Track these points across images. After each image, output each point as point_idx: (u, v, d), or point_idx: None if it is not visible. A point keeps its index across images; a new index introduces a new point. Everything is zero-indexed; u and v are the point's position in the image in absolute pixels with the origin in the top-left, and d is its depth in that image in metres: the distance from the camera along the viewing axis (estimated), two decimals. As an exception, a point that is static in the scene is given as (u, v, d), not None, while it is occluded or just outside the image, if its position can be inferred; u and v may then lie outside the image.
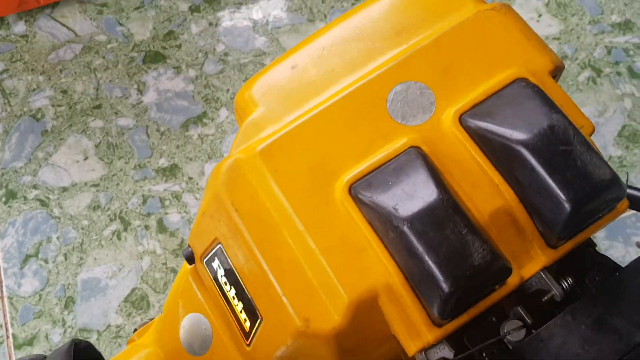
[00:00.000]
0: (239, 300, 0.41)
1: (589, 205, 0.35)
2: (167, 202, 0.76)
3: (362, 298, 0.36)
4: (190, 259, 0.46)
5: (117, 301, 0.72)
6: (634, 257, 0.73)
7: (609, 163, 0.76)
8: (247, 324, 0.41)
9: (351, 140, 0.39)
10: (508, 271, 0.35)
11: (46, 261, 0.74)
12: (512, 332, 0.38)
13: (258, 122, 0.41)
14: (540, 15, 0.86)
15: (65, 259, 0.74)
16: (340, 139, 0.39)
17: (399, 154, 0.38)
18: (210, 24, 0.85)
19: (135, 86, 0.83)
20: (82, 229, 0.75)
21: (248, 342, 0.42)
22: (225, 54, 0.83)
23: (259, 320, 0.40)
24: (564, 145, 0.35)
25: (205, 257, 0.44)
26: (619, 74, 0.82)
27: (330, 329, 0.36)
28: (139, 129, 0.80)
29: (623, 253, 0.73)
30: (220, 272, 0.42)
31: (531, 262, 0.37)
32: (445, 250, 0.34)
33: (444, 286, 0.33)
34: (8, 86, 0.83)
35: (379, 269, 0.36)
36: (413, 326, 0.36)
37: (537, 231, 0.37)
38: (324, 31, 0.43)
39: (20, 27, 0.85)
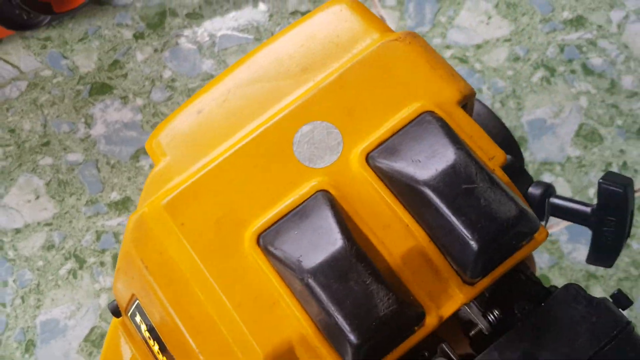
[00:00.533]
0: (162, 355, 0.40)
1: (497, 244, 0.34)
2: (120, 237, 0.75)
3: (277, 352, 0.35)
4: (117, 312, 0.44)
5: (77, 341, 0.71)
6: (597, 257, 0.72)
7: (568, 164, 0.74)
8: (169, 382, 0.40)
9: (259, 186, 0.38)
10: (419, 316, 0.34)
11: (4, 305, 0.73)
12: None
13: (164, 172, 0.40)
14: (490, 18, 0.85)
15: (23, 301, 0.73)
16: (247, 187, 0.38)
17: (306, 200, 0.37)
18: (155, 50, 0.84)
19: (83, 120, 0.81)
20: (38, 270, 0.74)
21: (175, 399, 0.41)
22: (173, 80, 0.82)
23: (180, 379, 0.39)
24: (466, 183, 0.34)
25: (128, 311, 0.43)
26: (573, 72, 0.81)
27: (247, 387, 0.35)
28: (89, 164, 0.79)
29: (586, 255, 0.72)
30: (143, 327, 0.41)
31: (450, 300, 0.36)
32: (350, 302, 0.32)
33: (352, 338, 0.32)
34: (-45, 129, 0.82)
35: (292, 322, 0.35)
36: (332, 377, 0.35)
37: (452, 270, 0.36)
38: (230, 71, 0.42)
39: (-35, 68, 0.84)
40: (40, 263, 0.75)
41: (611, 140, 0.77)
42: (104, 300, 0.73)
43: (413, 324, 0.34)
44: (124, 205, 0.77)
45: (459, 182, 0.34)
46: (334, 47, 0.41)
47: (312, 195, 0.37)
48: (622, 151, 0.77)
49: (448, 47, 0.83)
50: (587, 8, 0.84)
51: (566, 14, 0.84)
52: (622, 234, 0.46)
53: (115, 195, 0.77)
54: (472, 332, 0.38)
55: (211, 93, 0.42)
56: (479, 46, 0.83)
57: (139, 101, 0.82)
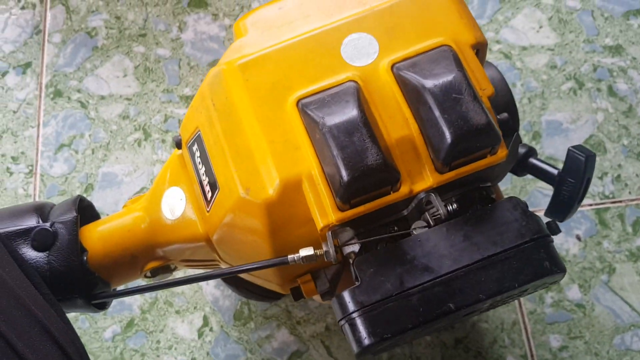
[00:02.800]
0: (206, 176, 0.54)
1: (466, 141, 0.46)
2: (183, 124, 0.90)
3: (290, 180, 0.48)
4: (179, 145, 0.59)
5: (128, 194, 0.86)
6: (572, 246, 0.83)
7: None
8: (209, 195, 0.54)
9: (308, 68, 0.51)
10: (396, 177, 0.47)
11: (77, 152, 0.89)
12: (418, 229, 0.49)
13: (244, 44, 0.54)
14: (541, 27, 0.96)
15: (92, 153, 0.88)
16: (300, 66, 0.51)
17: (340, 84, 0.50)
18: (251, -17, 0.98)
19: (177, 24, 0.96)
20: (111, 132, 0.90)
21: (208, 208, 0.54)
22: (258, 11, 0.96)
23: (217, 190, 0.52)
24: (456, 93, 0.46)
25: (188, 143, 0.57)
26: (599, 90, 0.91)
27: (263, 198, 0.49)
28: (173, 60, 0.94)
29: (562, 241, 0.83)
30: (197, 154, 0.55)
31: (422, 181, 0.49)
32: (350, 150, 0.46)
33: (344, 175, 0.45)
34: (72, 4, 0.97)
35: (307, 162, 0.49)
36: (323, 208, 0.48)
37: (429, 158, 0.49)
38: (310, -13, 0.55)
39: (93, -42, 1.00)
40: (114, 127, 0.90)
41: (613, 154, 0.88)
42: (157, 169, 0.87)
43: (391, 181, 0.47)
44: (192, 99, 0.91)
45: (451, 92, 0.46)
46: (391, -15, 0.54)
47: (345, 81, 0.50)
48: (619, 166, 0.87)
49: (498, 41, 0.95)
50: (628, 40, 0.95)
51: (608, 40, 0.95)
52: (576, 194, 0.58)
53: (187, 91, 0.92)
54: (433, 215, 0.50)
55: (292, -3, 0.55)
56: (524, 48, 0.95)
57: (227, 21, 0.96)
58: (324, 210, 0.48)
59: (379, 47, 0.51)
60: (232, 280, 0.72)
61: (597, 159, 0.87)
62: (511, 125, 0.61)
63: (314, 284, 0.57)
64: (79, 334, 0.79)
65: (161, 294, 0.81)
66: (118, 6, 0.98)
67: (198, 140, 0.55)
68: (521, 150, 0.62)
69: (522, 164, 0.62)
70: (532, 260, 0.47)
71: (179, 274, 0.77)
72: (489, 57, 0.94)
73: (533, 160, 0.61)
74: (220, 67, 0.52)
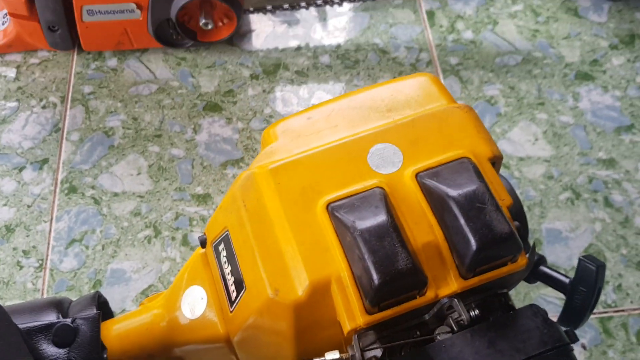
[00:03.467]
0: (232, 276, 0.55)
1: (490, 249, 0.48)
2: (194, 222, 0.92)
3: (320, 282, 0.50)
4: (203, 244, 0.60)
5: (135, 292, 0.86)
6: (578, 355, 0.83)
7: (572, 272, 0.88)
8: (234, 294, 0.55)
9: (337, 174, 0.54)
10: (424, 281, 0.48)
11: (87, 247, 0.89)
12: (442, 334, 0.50)
13: (274, 150, 0.57)
14: (536, 139, 1.01)
15: (103, 249, 0.89)
16: (329, 172, 0.54)
17: (367, 189, 0.52)
18: (263, 91, 1.04)
19: (192, 126, 1.00)
20: (122, 228, 0.91)
21: (232, 309, 0.55)
22: (270, 116, 1.01)
23: (243, 290, 0.53)
24: (480, 203, 0.49)
25: (214, 242, 0.58)
26: (595, 200, 0.95)
27: (293, 300, 0.50)
28: (187, 160, 0.97)
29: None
30: (223, 254, 0.57)
31: (446, 286, 0.50)
32: (381, 254, 0.47)
33: (375, 278, 0.47)
34: (92, 105, 1.02)
35: (336, 265, 0.50)
36: (351, 311, 0.49)
37: (454, 264, 0.51)
38: (338, 99, 0.59)
39: (112, 62, 1.06)
40: (125, 224, 0.91)
41: (613, 264, 0.90)
42: (165, 267, 0.88)
43: (420, 285, 0.48)
44: (204, 199, 0.94)
45: (475, 201, 0.49)
46: (413, 101, 0.58)
47: (372, 187, 0.53)
48: (620, 275, 0.89)
49: (497, 153, 1.00)
50: (621, 154, 1.00)
51: (601, 154, 1.00)
52: (589, 303, 0.59)
53: (199, 190, 0.94)
54: (457, 321, 0.51)
55: (320, 108, 0.59)
56: (521, 159, 1.00)
57: (240, 124, 1.01)
58: (351, 314, 0.49)
59: (403, 156, 0.55)
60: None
61: (598, 267, 0.90)
62: (522, 233, 0.64)
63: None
64: None
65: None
66: (136, 108, 1.02)
67: (225, 240, 0.56)
68: (530, 258, 0.64)
69: (534, 271, 0.64)
70: (555, 368, 0.48)
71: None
72: (490, 166, 0.99)
73: (544, 269, 0.63)
74: (253, 171, 0.55)
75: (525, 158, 1.00)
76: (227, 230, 0.56)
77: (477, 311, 0.52)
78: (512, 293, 0.89)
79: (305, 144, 0.57)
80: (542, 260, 0.64)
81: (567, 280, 0.62)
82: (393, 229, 0.48)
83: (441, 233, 0.51)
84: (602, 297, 0.88)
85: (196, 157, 0.98)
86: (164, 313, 0.61)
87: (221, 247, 0.57)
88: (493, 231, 0.48)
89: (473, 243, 0.48)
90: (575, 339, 0.55)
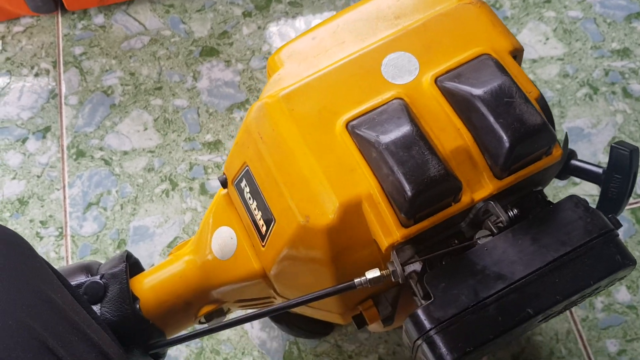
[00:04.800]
0: (259, 210, 0.54)
1: (523, 143, 0.46)
2: (209, 170, 0.90)
3: (350, 202, 0.48)
4: (224, 184, 0.58)
5: (161, 246, 0.85)
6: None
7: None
8: (264, 229, 0.53)
9: (352, 91, 0.51)
10: (458, 186, 0.46)
11: (105, 209, 0.88)
12: (482, 238, 0.49)
13: (282, 76, 0.54)
14: (547, 39, 0.97)
15: (121, 208, 0.88)
16: (344, 90, 0.52)
17: (386, 102, 0.50)
18: (258, 28, 1.00)
19: (191, 74, 0.97)
20: (138, 185, 0.89)
21: (263, 243, 0.54)
22: (269, 53, 0.98)
23: (272, 222, 0.52)
24: (507, 97, 0.46)
25: (235, 180, 0.56)
26: (613, 93, 0.92)
27: (324, 224, 0.48)
28: (192, 109, 0.94)
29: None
30: (247, 190, 0.55)
31: (481, 189, 0.49)
32: (410, 164, 0.45)
33: (408, 189, 0.45)
34: (85, 66, 0.99)
35: (364, 183, 0.48)
36: (386, 227, 0.48)
37: (487, 165, 0.48)
38: (341, 14, 0.56)
39: (99, 19, 1.02)
40: (140, 181, 0.90)
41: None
42: (188, 218, 0.87)
43: (455, 190, 0.46)
44: (215, 146, 0.91)
45: (502, 96, 0.46)
46: (421, 4, 0.55)
47: (391, 100, 0.50)
48: (648, 164, 0.87)
49: (507, 58, 0.96)
50: (634, 42, 0.96)
51: (614, 45, 0.96)
52: (625, 190, 0.58)
53: (209, 137, 0.92)
54: (495, 223, 0.50)
55: (324, 26, 0.56)
56: (534, 60, 0.96)
57: (240, 66, 0.97)
58: (387, 229, 0.48)
59: (419, 63, 0.52)
60: (283, 317, 0.71)
61: (624, 159, 0.87)
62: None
63: (376, 309, 0.56)
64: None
65: (207, 343, 0.79)
66: (131, 63, 0.99)
67: (247, 175, 0.54)
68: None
69: (565, 166, 0.62)
70: (603, 255, 0.46)
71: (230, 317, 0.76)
72: (501, 73, 0.95)
73: (575, 162, 0.61)
74: (264, 101, 0.53)
75: (538, 59, 0.96)
76: (247, 166, 0.54)
77: (515, 210, 0.50)
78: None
79: (313, 66, 0.54)
80: (572, 154, 0.62)
81: (600, 171, 0.60)
82: (419, 137, 0.46)
83: (470, 136, 0.49)
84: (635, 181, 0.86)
85: (200, 105, 0.95)
86: (195, 259, 0.60)
87: (243, 183, 0.55)
88: (525, 124, 0.46)
89: (506, 139, 0.46)
90: (619, 225, 0.53)
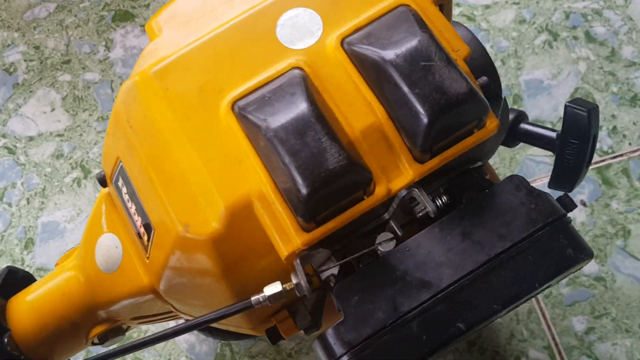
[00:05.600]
0: (138, 216, 0.44)
1: (446, 118, 0.37)
2: (125, 152, 0.80)
3: (237, 205, 0.39)
4: (102, 182, 0.48)
5: (73, 244, 0.75)
6: (578, 214, 0.74)
7: (559, 123, 0.77)
8: (145, 237, 0.44)
9: (242, 61, 0.41)
10: (367, 178, 0.37)
11: (10, 205, 0.78)
12: (383, 243, 0.40)
13: (158, 47, 0.44)
14: (501, -20, 0.87)
15: (28, 203, 0.78)
16: (231, 61, 0.41)
17: (281, 74, 0.40)
18: (177, -15, 0.88)
19: (104, 43, 0.86)
20: (45, 175, 0.79)
21: (147, 254, 0.44)
22: (190, 13, 0.86)
23: (152, 231, 0.42)
24: (424, 61, 0.37)
25: (112, 178, 0.46)
26: (575, 38, 0.83)
27: (207, 233, 0.39)
28: (104, 83, 0.83)
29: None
30: (124, 190, 0.45)
31: (400, 176, 0.39)
32: (304, 155, 0.36)
33: (302, 187, 0.36)
34: (-17, 42, 0.86)
35: (254, 179, 0.39)
36: (284, 232, 0.38)
37: (405, 146, 0.39)
38: (227, -36, 0.45)
39: (-3, -13, 0.89)
40: (48, 170, 0.79)
41: (604, 105, 0.79)
42: (103, 209, 0.77)
43: (361, 185, 0.37)
44: (131, 123, 0.81)
45: (418, 59, 0.37)
46: (323, -54, 0.44)
47: (287, 70, 0.40)
48: (613, 116, 0.78)
49: (457, 4, 0.86)
50: (597, -21, 0.86)
51: (576, -17, 0.86)
52: (583, 157, 0.49)
53: (124, 114, 0.81)
54: (420, 214, 0.40)
55: (208, -19, 0.45)
56: (487, 6, 0.86)
57: (156, 30, 0.86)
58: (285, 235, 0.38)
59: (322, 21, 0.42)
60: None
61: (588, 113, 0.79)
62: (493, 89, 0.52)
63: (293, 321, 0.48)
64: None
65: (129, 349, 0.70)
66: (35, 35, 0.87)
67: (122, 173, 0.44)
68: (510, 116, 0.52)
69: (513, 132, 0.53)
70: (551, 250, 0.38)
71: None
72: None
73: (525, 126, 0.52)
74: (133, 79, 0.42)
75: (491, 4, 0.86)
76: (121, 161, 0.44)
77: (444, 198, 0.41)
78: (496, 161, 0.78)
79: (196, 31, 0.43)
80: (521, 116, 0.53)
81: (554, 135, 0.51)
82: (317, 119, 0.36)
83: (383, 111, 0.39)
84: (597, 145, 0.77)
85: (114, 77, 0.84)
86: (78, 273, 0.50)
87: (120, 182, 0.45)
88: (446, 93, 0.36)
89: (423, 114, 0.36)
90: (572, 206, 0.44)
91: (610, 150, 0.77)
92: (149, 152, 0.41)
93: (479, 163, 0.45)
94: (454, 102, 0.36)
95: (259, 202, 0.38)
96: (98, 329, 0.50)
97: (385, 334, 0.37)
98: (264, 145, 0.37)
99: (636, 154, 0.77)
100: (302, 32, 0.41)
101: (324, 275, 0.42)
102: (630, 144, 0.77)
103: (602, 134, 0.78)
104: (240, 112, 0.39)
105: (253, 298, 0.40)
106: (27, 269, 0.72)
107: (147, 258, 0.44)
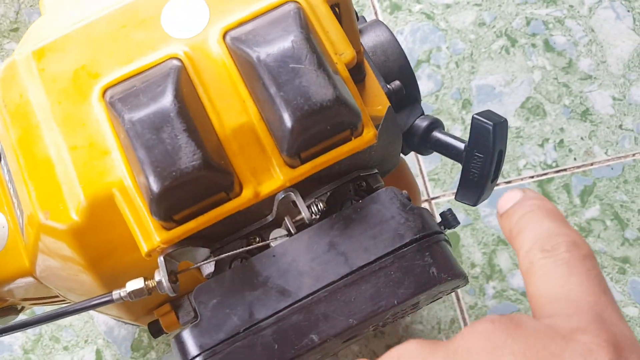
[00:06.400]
0: (15, 198, 0.43)
1: (309, 124, 0.35)
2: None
3: (97, 196, 0.37)
4: (-7, 159, 0.47)
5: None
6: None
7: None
8: (20, 220, 0.43)
9: (121, 47, 0.40)
10: (226, 178, 0.36)
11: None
12: (278, 239, 0.39)
13: (42, 25, 0.42)
14: (465, -20, 0.85)
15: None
16: (110, 46, 0.40)
17: (158, 64, 0.39)
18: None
19: (53, 14, 0.84)
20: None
21: (24, 237, 0.43)
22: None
23: (23, 214, 0.41)
24: (294, 63, 0.35)
25: (-1, 156, 0.45)
26: (534, 45, 0.81)
27: (67, 224, 0.38)
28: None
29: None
30: (5, 170, 0.44)
31: (270, 179, 0.38)
32: (158, 151, 0.34)
33: (153, 184, 0.34)
34: None
35: (118, 171, 0.37)
36: (145, 228, 0.37)
37: (276, 150, 0.38)
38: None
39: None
40: None
41: (554, 117, 0.77)
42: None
43: (219, 187, 0.36)
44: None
45: (288, 61, 0.35)
46: None
47: (164, 60, 0.39)
48: (562, 129, 0.77)
49: (418, 1, 0.84)
50: (563, -14, 0.84)
51: (540, -11, 0.84)
52: (487, 172, 0.47)
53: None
54: (295, 220, 0.39)
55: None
56: (448, 6, 0.84)
57: None
58: (146, 232, 0.37)
59: (210, 11, 0.40)
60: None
61: (536, 123, 0.77)
62: (407, 94, 0.50)
63: (176, 315, 0.47)
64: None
65: (46, 328, 0.70)
66: (-16, 0, 0.86)
67: (3, 154, 0.43)
68: (422, 123, 0.51)
69: (425, 139, 0.51)
70: (413, 268, 0.36)
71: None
72: (410, 19, 0.83)
73: (437, 134, 0.51)
74: (12, 58, 0.41)
75: (452, 4, 0.84)
76: (1, 142, 0.43)
77: (321, 204, 0.39)
78: (437, 166, 0.76)
79: (81, 11, 0.42)
80: (435, 124, 0.51)
81: (462, 146, 0.49)
82: (177, 115, 0.35)
83: (256, 110, 0.38)
84: (540, 158, 0.76)
85: (61, 50, 0.82)
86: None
87: (2, 162, 0.44)
88: (310, 99, 0.35)
89: (286, 119, 0.35)
90: (453, 224, 0.43)
91: (554, 164, 0.75)
92: (20, 134, 0.40)
93: (374, 171, 0.43)
94: (317, 108, 0.35)
95: (121, 194, 0.37)
96: (-16, 308, 0.50)
97: (238, 340, 0.36)
98: (124, 137, 0.36)
99: (580, 169, 0.75)
100: (187, 21, 0.40)
101: (204, 272, 0.41)
102: (575, 159, 0.76)
103: (548, 146, 0.76)
104: (110, 100, 0.38)
105: (114, 292, 0.39)
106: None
107: (24, 241, 0.43)
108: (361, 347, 0.68)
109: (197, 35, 0.40)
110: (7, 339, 0.69)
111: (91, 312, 0.70)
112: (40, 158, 0.39)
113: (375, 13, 0.84)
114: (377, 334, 0.68)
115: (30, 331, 0.70)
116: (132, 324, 0.65)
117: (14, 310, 0.52)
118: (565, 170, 0.75)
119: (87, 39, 0.40)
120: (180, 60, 0.39)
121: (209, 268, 0.41)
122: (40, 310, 0.66)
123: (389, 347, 0.68)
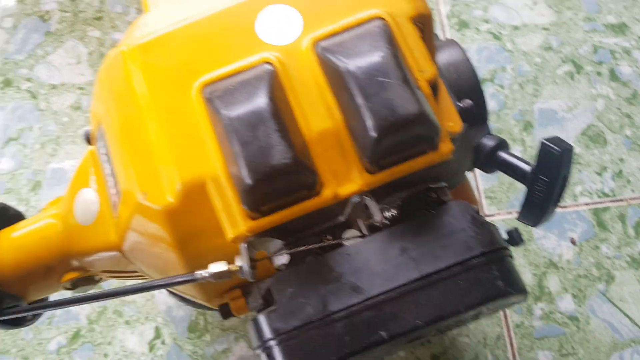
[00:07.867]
0: (112, 177, 0.47)
1: (393, 135, 0.38)
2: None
3: (193, 183, 0.41)
4: (89, 140, 0.51)
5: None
6: (566, 251, 0.73)
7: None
8: (115, 197, 0.46)
9: (219, 48, 0.43)
10: (311, 178, 0.38)
11: (25, 146, 0.82)
12: (350, 239, 0.41)
13: (147, 21, 0.46)
14: (535, 4, 0.86)
15: (41, 147, 0.82)
16: (210, 46, 0.43)
17: (252, 67, 0.42)
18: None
19: (136, 5, 0.89)
20: (62, 124, 0.83)
21: (115, 214, 0.47)
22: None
23: (120, 194, 0.45)
24: (381, 76, 0.38)
25: (96, 138, 0.49)
26: (599, 74, 0.81)
27: (162, 205, 0.41)
28: (131, 46, 0.87)
29: (554, 245, 0.73)
30: (103, 152, 0.48)
31: (349, 182, 0.40)
32: (252, 148, 0.38)
33: (246, 177, 0.37)
34: (26, -12, 0.91)
35: (212, 162, 0.41)
36: (233, 216, 0.40)
37: (357, 156, 0.40)
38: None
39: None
40: (65, 119, 0.83)
41: (615, 147, 0.78)
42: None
43: (304, 185, 0.39)
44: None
45: (376, 74, 0.38)
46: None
47: (258, 64, 0.42)
48: (621, 160, 0.77)
49: (486, 21, 0.86)
50: (633, 18, 0.84)
51: (610, 18, 0.84)
52: (550, 195, 0.49)
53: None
54: (368, 222, 0.42)
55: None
56: (516, 27, 0.85)
57: None
58: (233, 219, 0.40)
59: (303, 21, 0.43)
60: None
61: (596, 152, 0.78)
62: (476, 113, 0.52)
63: (245, 301, 0.50)
64: (21, 346, 0.73)
65: (111, 302, 0.74)
66: (74, -12, 0.91)
67: (102, 135, 0.47)
68: (489, 142, 0.53)
69: (490, 158, 0.53)
70: (481, 279, 0.39)
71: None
72: (477, 38, 0.85)
73: (503, 154, 0.53)
74: (120, 48, 0.45)
75: (521, 26, 0.85)
76: (102, 124, 0.47)
77: (394, 211, 0.42)
78: (494, 184, 0.78)
79: (184, 12, 0.45)
80: (501, 144, 0.53)
81: (528, 168, 0.51)
82: (271, 116, 0.38)
83: (341, 118, 0.41)
84: (597, 186, 0.76)
85: (142, 42, 0.87)
86: (59, 220, 0.53)
87: (101, 143, 0.48)
88: (395, 112, 0.37)
89: (371, 128, 0.38)
90: (518, 242, 0.45)
91: (611, 193, 0.76)
92: (123, 120, 0.44)
93: (442, 184, 0.45)
94: (402, 121, 0.37)
95: (213, 184, 0.40)
96: (70, 275, 0.53)
97: (312, 329, 0.39)
98: (220, 131, 0.39)
99: (637, 201, 0.75)
100: (280, 29, 0.43)
101: (276, 263, 0.43)
102: (633, 190, 0.76)
103: (607, 175, 0.77)
104: (207, 96, 0.41)
105: (197, 272, 0.42)
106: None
107: (115, 217, 0.47)
108: (407, 353, 0.70)
109: (289, 42, 0.43)
110: (75, 308, 0.74)
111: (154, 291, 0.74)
112: (142, 144, 0.42)
113: (443, 29, 0.86)
114: (424, 343, 0.70)
115: (95, 303, 0.74)
116: (200, 306, 0.68)
117: (93, 280, 0.56)
118: (621, 200, 0.75)
119: (189, 38, 0.44)
120: (272, 64, 0.42)
121: (281, 259, 0.43)
122: (113, 284, 0.69)
123: (434, 355, 0.70)
